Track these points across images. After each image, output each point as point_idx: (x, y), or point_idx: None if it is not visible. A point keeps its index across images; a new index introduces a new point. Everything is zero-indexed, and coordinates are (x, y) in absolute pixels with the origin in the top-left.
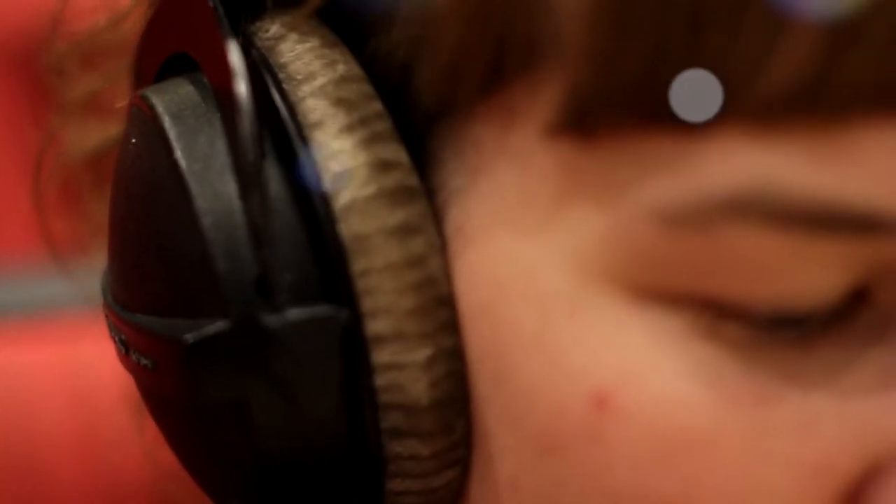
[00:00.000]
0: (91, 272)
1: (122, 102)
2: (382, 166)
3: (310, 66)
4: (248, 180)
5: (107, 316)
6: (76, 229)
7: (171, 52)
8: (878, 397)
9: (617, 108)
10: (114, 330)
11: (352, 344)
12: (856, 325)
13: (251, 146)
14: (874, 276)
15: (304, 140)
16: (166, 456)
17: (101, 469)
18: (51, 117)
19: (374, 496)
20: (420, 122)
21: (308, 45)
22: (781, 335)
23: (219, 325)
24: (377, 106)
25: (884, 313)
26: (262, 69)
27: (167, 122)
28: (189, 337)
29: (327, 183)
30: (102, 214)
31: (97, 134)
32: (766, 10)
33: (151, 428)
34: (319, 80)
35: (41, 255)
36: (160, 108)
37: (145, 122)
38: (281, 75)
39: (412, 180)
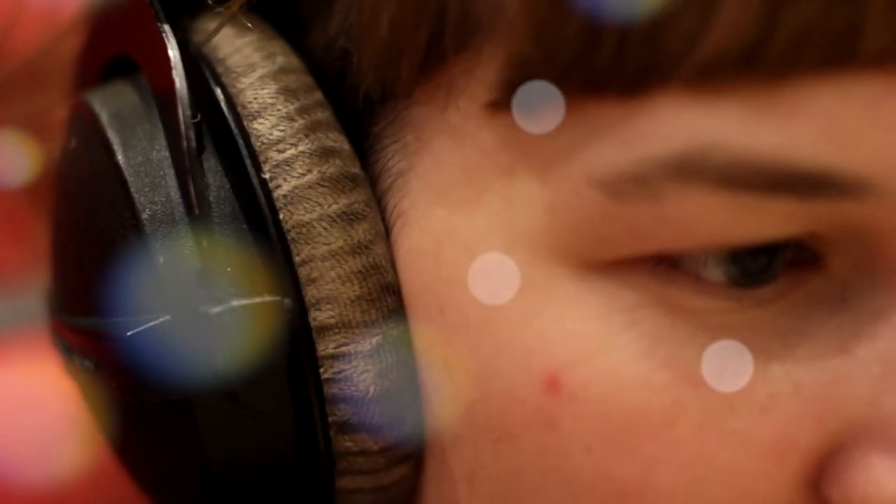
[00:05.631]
0: (33, 293)
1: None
2: (324, 154)
3: (249, 59)
4: (187, 172)
5: (50, 326)
6: (18, 251)
7: (111, 55)
8: (835, 366)
9: (557, 79)
10: (56, 338)
11: (297, 335)
12: (811, 293)
13: (189, 138)
14: (827, 242)
15: (243, 130)
16: (113, 472)
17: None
18: None
19: (325, 496)
20: (360, 110)
21: (247, 39)
22: (737, 302)
23: (160, 319)
24: (317, 95)
25: (839, 281)
26: (200, 64)
27: (105, 119)
28: (129, 331)
29: (268, 172)
30: (44, 236)
31: (37, 155)
32: None
33: (97, 447)
34: (259, 72)
35: None
36: (98, 107)
37: (85, 124)
38: (219, 69)
39: (354, 167)
